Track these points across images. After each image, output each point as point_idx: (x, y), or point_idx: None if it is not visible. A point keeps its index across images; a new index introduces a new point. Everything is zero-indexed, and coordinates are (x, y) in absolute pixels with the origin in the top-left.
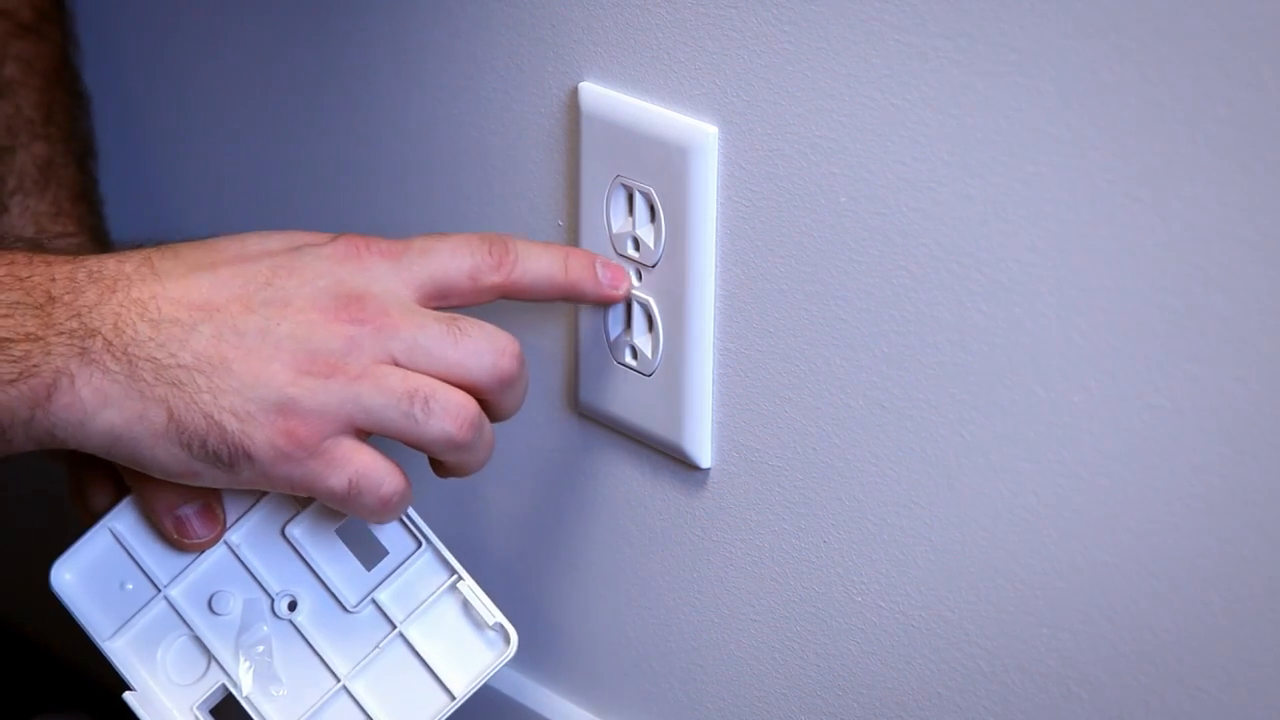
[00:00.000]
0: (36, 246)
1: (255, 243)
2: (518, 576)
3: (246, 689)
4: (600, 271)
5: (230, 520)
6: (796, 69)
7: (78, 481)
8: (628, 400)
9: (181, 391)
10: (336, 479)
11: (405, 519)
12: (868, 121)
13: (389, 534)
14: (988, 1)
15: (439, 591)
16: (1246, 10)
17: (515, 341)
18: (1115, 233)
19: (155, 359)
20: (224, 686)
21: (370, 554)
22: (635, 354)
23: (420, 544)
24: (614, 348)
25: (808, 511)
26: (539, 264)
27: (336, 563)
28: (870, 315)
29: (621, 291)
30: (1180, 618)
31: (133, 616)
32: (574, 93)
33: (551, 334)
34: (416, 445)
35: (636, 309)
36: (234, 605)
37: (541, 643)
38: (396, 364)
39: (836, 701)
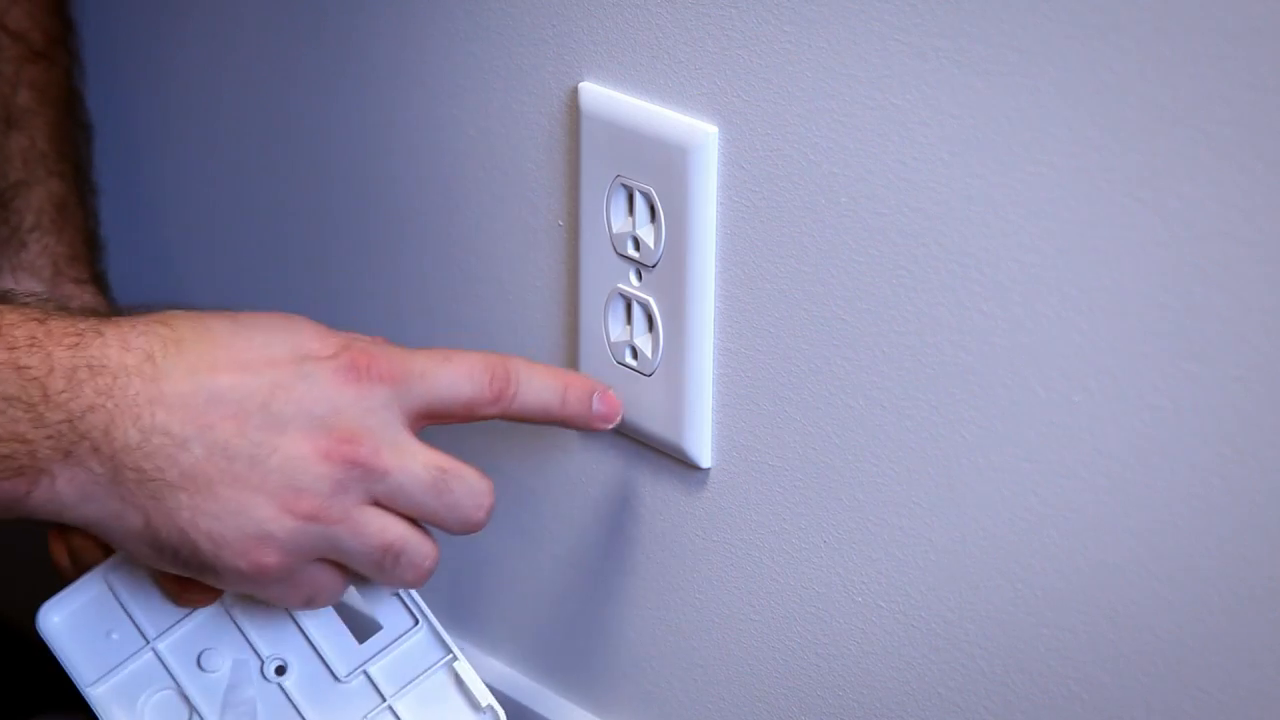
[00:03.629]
0: (45, 307)
1: (260, 346)
2: (517, 576)
3: None
4: (596, 406)
5: None
6: (796, 69)
7: (61, 537)
8: (628, 400)
9: (161, 504)
10: (294, 599)
11: (403, 597)
12: (868, 121)
13: (385, 609)
14: (988, 1)
15: (431, 669)
16: (1246, 10)
17: (492, 492)
18: (1115, 233)
19: (141, 469)
20: None
21: (364, 626)
22: (635, 354)
23: (417, 621)
24: (614, 348)
25: (808, 511)
26: (538, 398)
27: (329, 632)
28: (870, 315)
29: (611, 426)
30: (1180, 618)
31: (118, 665)
32: (574, 93)
33: (551, 334)
34: (376, 580)
35: (636, 309)
36: (222, 664)
37: (542, 642)
38: (377, 504)
39: (836, 701)
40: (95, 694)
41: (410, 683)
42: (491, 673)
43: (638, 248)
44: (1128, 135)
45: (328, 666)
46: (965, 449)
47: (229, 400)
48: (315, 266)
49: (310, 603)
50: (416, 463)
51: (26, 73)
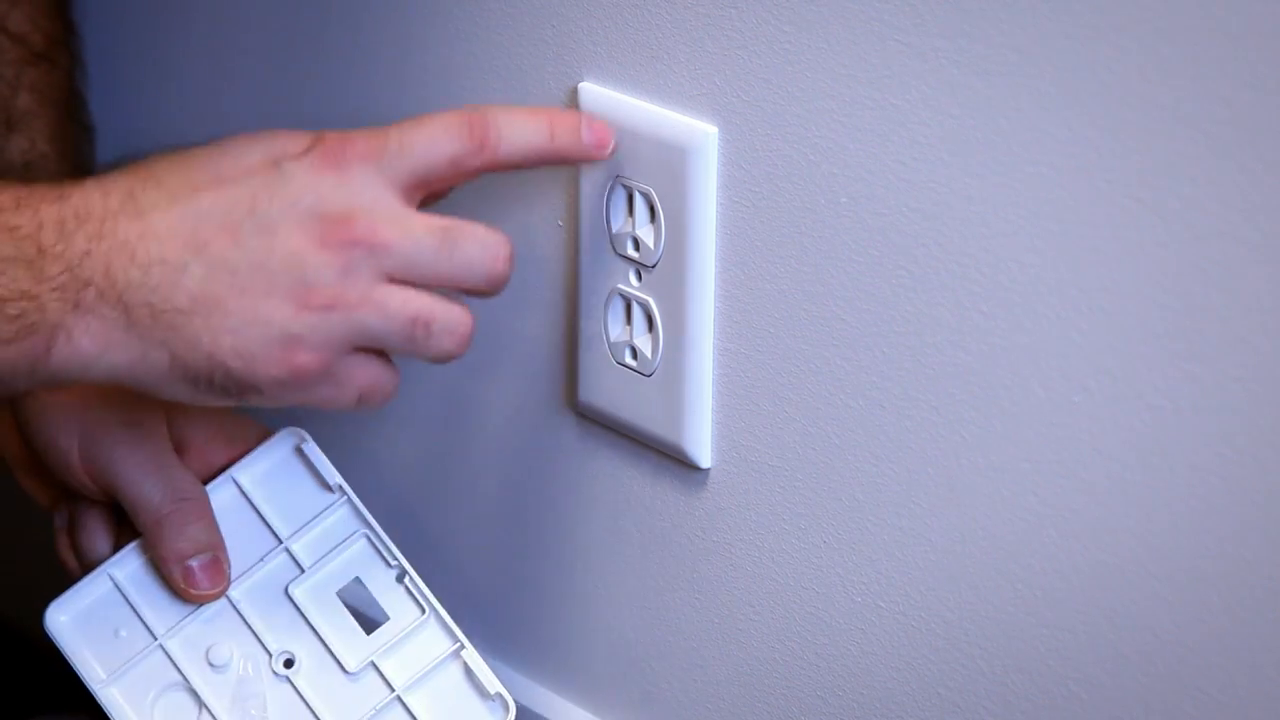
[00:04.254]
0: (25, 179)
1: (233, 157)
2: (518, 576)
3: None
4: (586, 135)
5: (234, 575)
6: (796, 69)
7: (69, 531)
8: (628, 400)
9: (180, 334)
10: (345, 397)
11: (410, 587)
12: (868, 121)
13: (392, 600)
14: (988, 1)
15: (440, 659)
16: (1246, 10)
17: (507, 242)
18: (1115, 233)
19: (150, 303)
20: None
21: (373, 617)
22: (635, 354)
23: (424, 611)
24: (614, 348)
25: (808, 511)
26: (524, 138)
27: (337, 625)
28: (870, 315)
29: (608, 151)
30: (1180, 618)
31: (126, 663)
32: (574, 93)
33: (551, 334)
34: (416, 358)
35: (636, 309)
36: (231, 659)
37: (541, 643)
38: (393, 280)
39: (836, 701)
40: (104, 693)
41: (419, 673)
42: None
43: (637, 248)
44: (1128, 135)
45: (336, 660)
46: (965, 449)
47: (214, 215)
48: None
49: (365, 400)
50: (417, 228)
51: (27, 75)
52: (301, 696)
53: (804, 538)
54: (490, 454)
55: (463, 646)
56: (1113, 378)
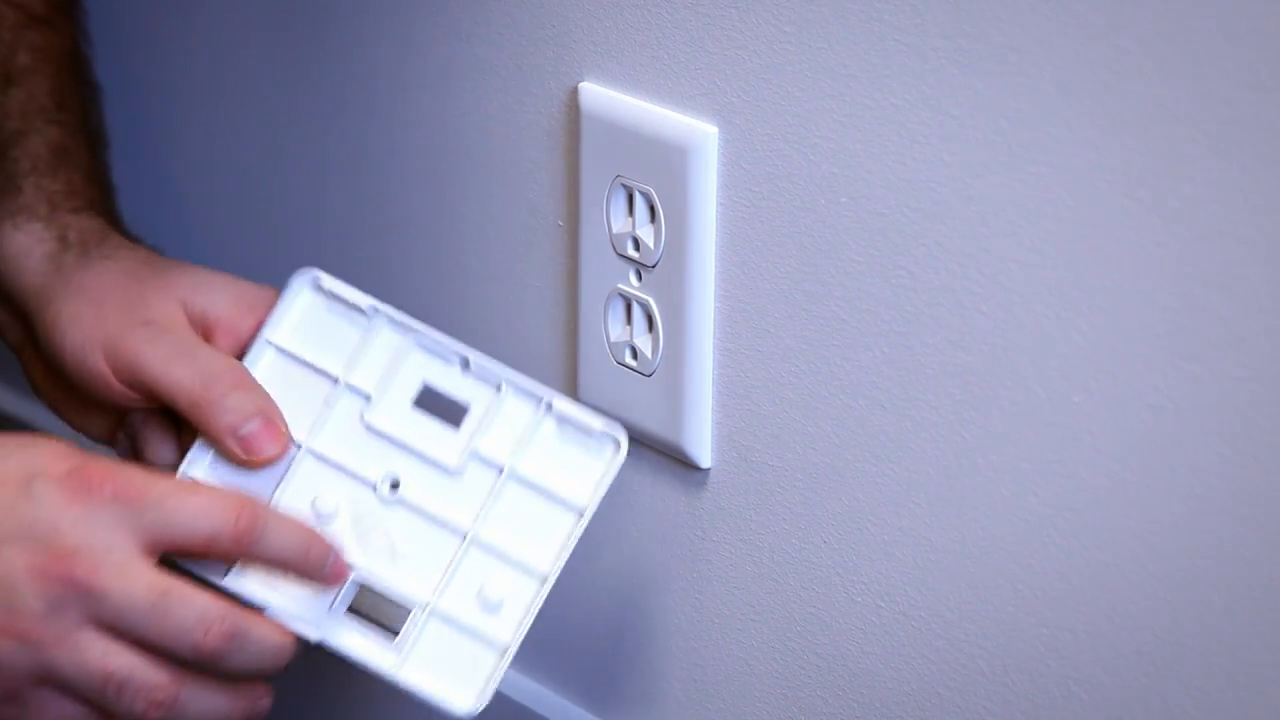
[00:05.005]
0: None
1: None
2: None
3: (375, 574)
4: (328, 567)
5: (305, 429)
6: (796, 69)
7: (132, 453)
8: (628, 400)
9: None
10: None
11: (476, 368)
12: (868, 121)
13: (467, 389)
14: (988, 1)
15: (534, 420)
16: (1246, 10)
17: (225, 619)
18: (1115, 233)
19: None
20: (353, 582)
21: (455, 412)
22: (635, 354)
23: (499, 386)
24: (614, 348)
25: (808, 511)
26: (280, 545)
27: (425, 433)
28: (870, 315)
29: (343, 583)
30: (1180, 618)
31: None
32: (574, 93)
33: (551, 334)
34: (107, 713)
35: (636, 309)
36: (338, 505)
37: (542, 643)
38: (101, 628)
39: (836, 701)
40: (229, 582)
41: (519, 442)
42: None
43: (638, 248)
44: (1128, 135)
45: (437, 464)
46: (965, 449)
47: None
48: (314, 266)
49: None
50: (138, 583)
51: (26, 37)
52: (420, 510)
53: (804, 538)
54: None
55: (552, 400)
56: (1113, 378)
